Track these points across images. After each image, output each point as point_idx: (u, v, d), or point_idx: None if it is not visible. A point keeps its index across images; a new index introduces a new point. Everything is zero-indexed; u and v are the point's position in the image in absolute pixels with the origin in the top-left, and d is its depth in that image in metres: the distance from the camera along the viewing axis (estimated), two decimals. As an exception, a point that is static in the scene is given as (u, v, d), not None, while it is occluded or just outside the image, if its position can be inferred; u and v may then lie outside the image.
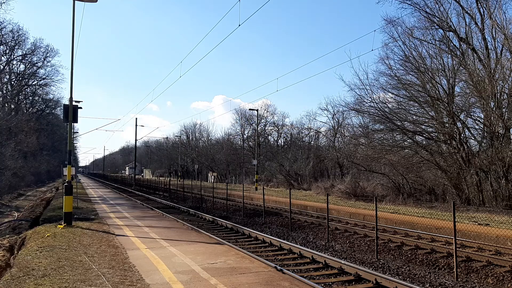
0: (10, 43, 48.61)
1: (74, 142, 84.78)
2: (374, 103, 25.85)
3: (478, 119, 23.47)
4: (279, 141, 68.06)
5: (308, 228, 15.84)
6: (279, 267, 8.09)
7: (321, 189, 31.37)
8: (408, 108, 25.42)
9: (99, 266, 7.86)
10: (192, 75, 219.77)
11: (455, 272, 8.67)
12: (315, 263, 9.58)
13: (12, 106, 52.52)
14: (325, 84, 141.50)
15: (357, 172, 32.50)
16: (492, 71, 20.97)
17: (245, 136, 70.13)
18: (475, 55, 22.95)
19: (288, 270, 8.27)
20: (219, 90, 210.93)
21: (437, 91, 23.80)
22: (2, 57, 49.61)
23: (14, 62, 52.66)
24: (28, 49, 52.33)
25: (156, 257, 8.87)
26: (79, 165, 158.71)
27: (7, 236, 14.28)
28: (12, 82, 54.10)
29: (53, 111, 69.30)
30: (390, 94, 26.40)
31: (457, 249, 9.03)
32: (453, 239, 8.98)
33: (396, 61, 25.87)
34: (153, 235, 12.16)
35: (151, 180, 62.17)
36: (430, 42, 25.01)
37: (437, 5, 23.86)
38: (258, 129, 59.98)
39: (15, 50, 50.94)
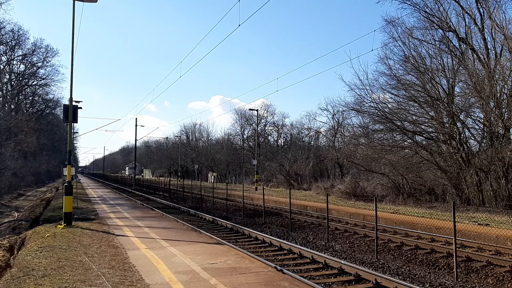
0: (10, 43, 48.62)
1: (74, 142, 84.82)
2: (374, 103, 25.87)
3: (478, 119, 23.47)
4: (279, 141, 68.12)
5: (308, 228, 15.84)
6: (279, 267, 8.09)
7: (321, 189, 31.36)
8: (408, 108, 25.41)
9: (99, 266, 7.86)
10: (190, 75, 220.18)
11: (455, 272, 8.67)
12: (315, 263, 9.58)
13: (12, 106, 52.49)
14: (325, 84, 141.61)
15: (357, 172, 32.49)
16: (492, 71, 20.96)
17: (245, 136, 70.17)
18: (474, 55, 22.95)
19: (288, 270, 8.27)
20: (217, 90, 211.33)
21: (437, 91, 23.80)
22: (2, 57, 49.65)
23: (14, 62, 52.67)
24: (28, 49, 52.35)
25: (156, 257, 8.87)
26: (79, 165, 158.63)
27: (7, 236, 14.29)
28: (12, 82, 54.07)
29: (53, 111, 69.33)
30: (390, 94, 26.43)
31: (457, 249, 9.03)
32: (453, 239, 8.97)
33: (396, 61, 25.89)
34: (153, 235, 12.16)
35: (151, 180, 62.14)
36: (430, 42, 25.03)
37: (436, 5, 23.88)
38: (258, 129, 59.98)
39: (15, 50, 50.96)
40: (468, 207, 19.81)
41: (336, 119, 51.24)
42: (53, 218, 17.00)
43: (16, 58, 52.24)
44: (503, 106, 21.28)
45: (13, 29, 47.66)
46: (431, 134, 24.73)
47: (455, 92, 24.43)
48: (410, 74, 25.44)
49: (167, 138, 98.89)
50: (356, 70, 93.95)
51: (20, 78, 54.63)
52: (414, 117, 24.90)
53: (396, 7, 67.55)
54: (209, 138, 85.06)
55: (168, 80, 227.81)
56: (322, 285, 7.66)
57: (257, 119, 53.93)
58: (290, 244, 11.15)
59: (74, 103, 15.27)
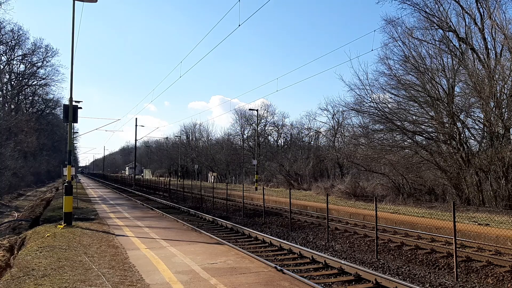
0: (10, 43, 48.61)
1: (74, 142, 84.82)
2: (374, 103, 25.87)
3: (478, 119, 23.47)
4: (279, 141, 68.11)
5: (308, 228, 15.84)
6: (279, 267, 8.09)
7: (321, 189, 31.36)
8: (408, 108, 25.41)
9: (99, 266, 7.86)
10: (190, 75, 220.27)
11: (455, 272, 8.67)
12: (315, 263, 9.58)
13: (12, 106, 52.47)
14: (325, 84, 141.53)
15: (357, 172, 32.48)
16: (492, 71, 20.96)
17: (245, 136, 70.16)
18: (474, 55, 22.95)
19: (288, 270, 8.27)
20: (217, 90, 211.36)
21: (437, 91, 23.79)
22: (2, 57, 49.64)
23: (14, 62, 52.65)
24: (28, 49, 52.33)
25: (156, 257, 8.87)
26: (79, 165, 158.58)
27: (7, 236, 14.29)
28: (12, 82, 54.05)
29: (53, 111, 69.30)
30: (390, 94, 26.42)
31: (457, 249, 9.03)
32: (453, 239, 8.97)
33: (396, 61, 25.88)
34: (153, 235, 12.16)
35: (151, 180, 62.16)
36: (430, 42, 25.02)
37: (436, 5, 23.89)
38: (258, 129, 59.99)
39: (15, 50, 50.95)
40: (468, 207, 19.81)
41: (336, 119, 51.31)
42: (53, 218, 17.00)
43: (16, 58, 52.28)
44: (503, 106, 21.27)
45: (13, 29, 47.71)
46: (431, 134, 24.72)
47: (455, 92, 24.44)
48: (410, 74, 25.45)
49: (167, 138, 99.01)
50: (356, 70, 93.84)
51: (20, 78, 54.63)
52: (414, 117, 24.90)
53: (396, 7, 67.61)
54: (209, 138, 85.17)
55: (168, 80, 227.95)
56: (322, 285, 7.66)
57: (257, 119, 53.98)
58: (290, 244, 11.15)
59: (74, 103, 15.27)
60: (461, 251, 10.25)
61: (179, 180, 56.19)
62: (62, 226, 13.54)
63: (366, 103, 26.30)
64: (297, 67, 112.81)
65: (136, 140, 58.34)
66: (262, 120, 65.60)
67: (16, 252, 11.12)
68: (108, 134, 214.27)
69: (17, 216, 23.66)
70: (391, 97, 26.44)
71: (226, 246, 10.71)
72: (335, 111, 50.06)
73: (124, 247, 10.02)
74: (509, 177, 19.84)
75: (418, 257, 10.53)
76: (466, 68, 22.44)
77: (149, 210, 21.16)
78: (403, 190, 25.36)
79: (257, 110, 46.97)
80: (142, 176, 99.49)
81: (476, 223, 13.91)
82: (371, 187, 27.34)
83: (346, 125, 47.10)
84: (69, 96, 14.78)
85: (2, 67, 49.60)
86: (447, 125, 23.38)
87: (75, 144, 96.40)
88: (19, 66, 54.75)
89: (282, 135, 67.45)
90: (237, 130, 70.79)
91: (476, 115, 23.64)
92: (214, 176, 63.34)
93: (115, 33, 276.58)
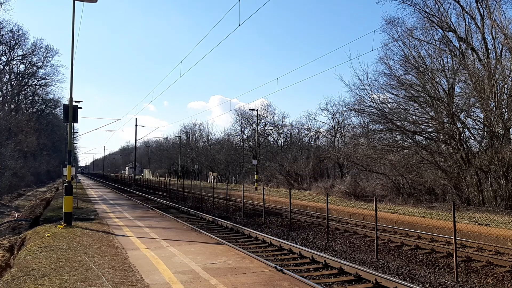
0: (10, 43, 48.63)
1: (74, 142, 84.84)
2: (374, 103, 25.86)
3: (478, 119, 23.47)
4: (279, 141, 68.09)
5: (308, 228, 15.84)
6: (279, 267, 8.09)
7: (321, 189, 31.36)
8: (408, 108, 25.41)
9: (99, 266, 7.86)
10: (189, 75, 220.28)
11: (455, 272, 8.67)
12: (315, 263, 9.58)
13: (12, 106, 52.49)
14: (325, 84, 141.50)
15: (357, 172, 32.48)
16: (492, 71, 20.96)
17: (245, 136, 70.14)
18: (475, 55, 22.94)
19: (288, 270, 8.27)
20: (216, 90, 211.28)
21: (437, 91, 23.79)
22: (2, 57, 49.69)
23: (14, 62, 52.74)
24: (28, 49, 52.41)
25: (156, 257, 8.87)
26: (79, 165, 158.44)
27: (7, 236, 14.30)
28: (12, 82, 54.10)
29: (53, 111, 69.39)
30: (390, 94, 26.42)
31: (457, 249, 9.03)
32: (453, 239, 8.98)
33: (396, 61, 25.89)
34: (153, 235, 12.16)
35: (151, 180, 62.18)
36: (430, 42, 25.02)
37: (436, 5, 23.89)
38: (258, 129, 59.98)
39: (15, 50, 51.00)
40: (468, 207, 19.81)
41: (336, 119, 51.33)
42: (53, 218, 17.01)
43: (16, 58, 52.36)
44: (503, 106, 21.27)
45: (12, 29, 47.75)
46: (431, 134, 24.72)
47: (455, 92, 24.45)
48: (410, 74, 25.47)
49: (167, 138, 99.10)
50: (356, 70, 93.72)
51: (20, 78, 54.66)
52: (414, 117, 24.89)
53: (396, 7, 67.65)
54: (209, 138, 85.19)
55: (168, 80, 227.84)
56: (322, 285, 7.66)
57: (257, 119, 53.95)
58: (290, 244, 11.15)
59: (74, 103, 15.27)
60: (461, 251, 10.25)
61: (179, 180, 56.19)
62: (62, 226, 13.54)
63: (366, 103, 26.33)
64: (297, 67, 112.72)
65: (136, 140, 58.41)
66: (262, 120, 65.63)
67: (16, 252, 11.13)
68: (108, 134, 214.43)
69: (17, 216, 23.67)
70: (391, 97, 26.47)
71: (226, 246, 10.71)
72: (335, 111, 50.16)
73: (124, 247, 10.03)
74: (509, 177, 19.83)
75: (418, 257, 10.53)
76: (466, 68, 22.43)
77: (149, 210, 21.16)
78: (403, 190, 25.35)
79: (257, 110, 46.96)
80: (142, 176, 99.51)
81: (476, 223, 13.90)
82: (371, 187, 27.34)
83: (346, 125, 47.18)
84: (69, 96, 14.79)
85: (2, 67, 49.66)
86: (447, 125, 23.38)
87: (75, 144, 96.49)
88: (19, 66, 54.90)
89: (282, 135, 67.51)
90: (237, 130, 70.83)
91: (476, 115, 23.68)
92: (214, 176, 63.32)
93: (115, 33, 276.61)
